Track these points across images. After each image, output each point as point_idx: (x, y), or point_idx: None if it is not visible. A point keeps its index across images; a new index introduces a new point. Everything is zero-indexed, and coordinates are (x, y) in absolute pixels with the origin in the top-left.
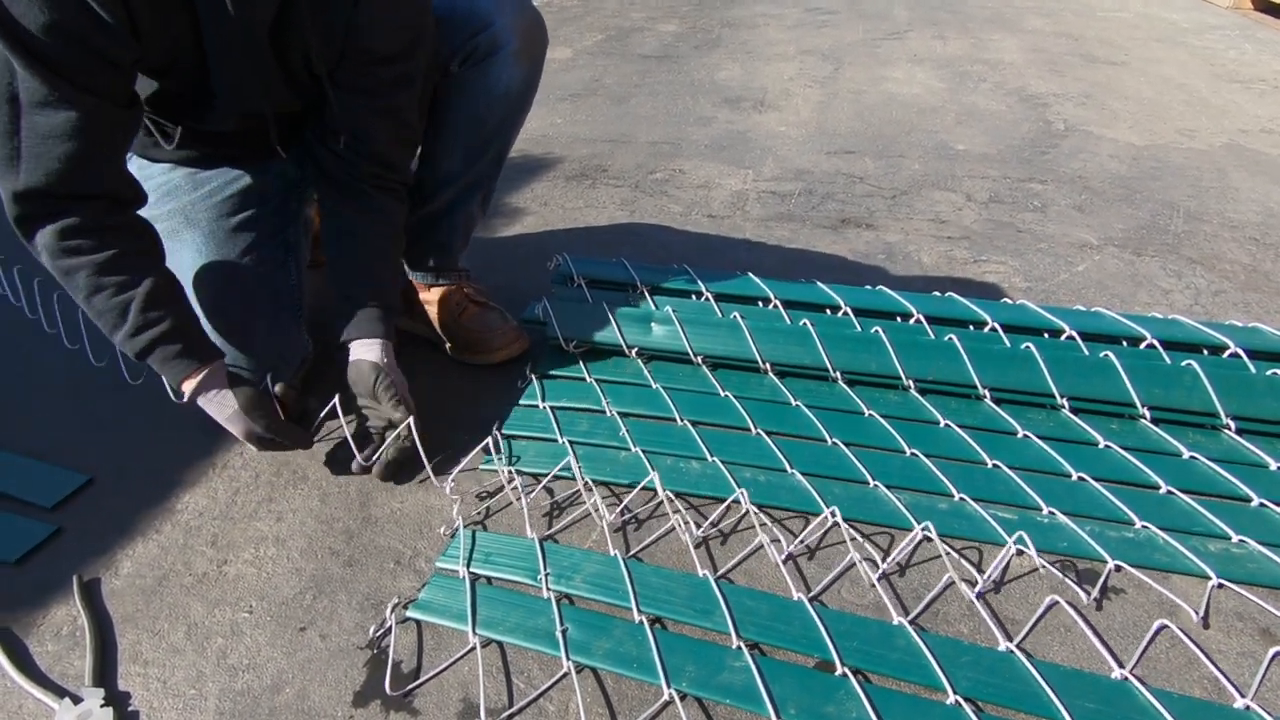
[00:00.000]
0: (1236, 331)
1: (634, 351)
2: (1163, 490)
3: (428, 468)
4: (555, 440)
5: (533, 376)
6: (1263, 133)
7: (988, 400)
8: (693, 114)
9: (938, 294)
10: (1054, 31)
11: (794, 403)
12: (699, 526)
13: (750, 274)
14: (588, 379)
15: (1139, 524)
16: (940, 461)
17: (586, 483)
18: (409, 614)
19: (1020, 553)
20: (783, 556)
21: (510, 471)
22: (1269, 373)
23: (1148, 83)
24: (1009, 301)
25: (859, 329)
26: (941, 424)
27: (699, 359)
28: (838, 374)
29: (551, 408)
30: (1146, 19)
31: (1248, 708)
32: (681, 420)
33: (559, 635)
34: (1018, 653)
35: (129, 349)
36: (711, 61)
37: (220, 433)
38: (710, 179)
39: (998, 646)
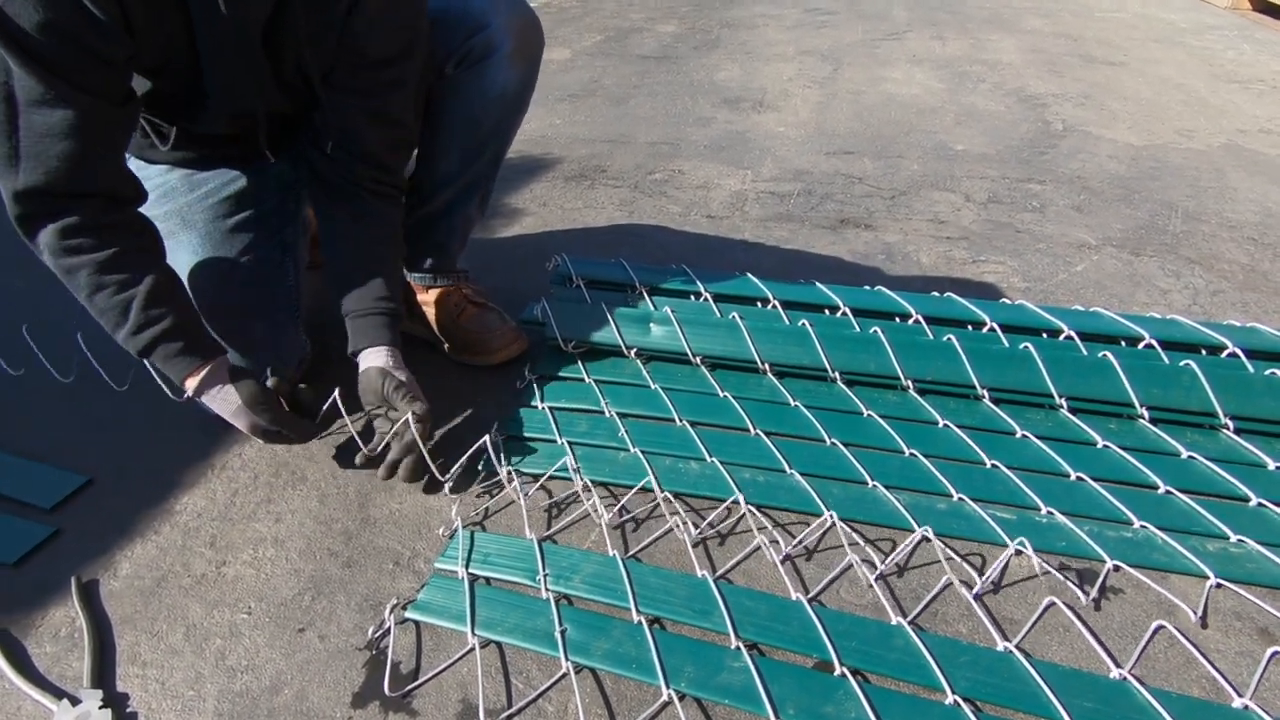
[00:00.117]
0: (1235, 331)
1: (633, 352)
2: (1161, 490)
3: (433, 467)
4: (554, 441)
5: (531, 377)
6: (1261, 133)
7: (986, 400)
8: (692, 115)
9: (936, 294)
10: (1052, 32)
11: (793, 403)
12: (697, 527)
13: (749, 274)
14: (586, 380)
15: (1137, 524)
16: (939, 462)
17: (585, 483)
18: (408, 615)
19: (1019, 553)
20: (781, 557)
21: (509, 472)
22: (1267, 372)
23: (1146, 83)
24: (1007, 301)
25: (858, 329)
26: (940, 424)
27: (698, 359)
28: (836, 374)
29: (550, 408)
30: (1145, 19)
31: (1246, 707)
32: (680, 421)
33: (558, 636)
34: (1016, 653)
35: (131, 347)
36: (710, 62)
37: (219, 434)
38: (709, 179)
39: (996, 646)
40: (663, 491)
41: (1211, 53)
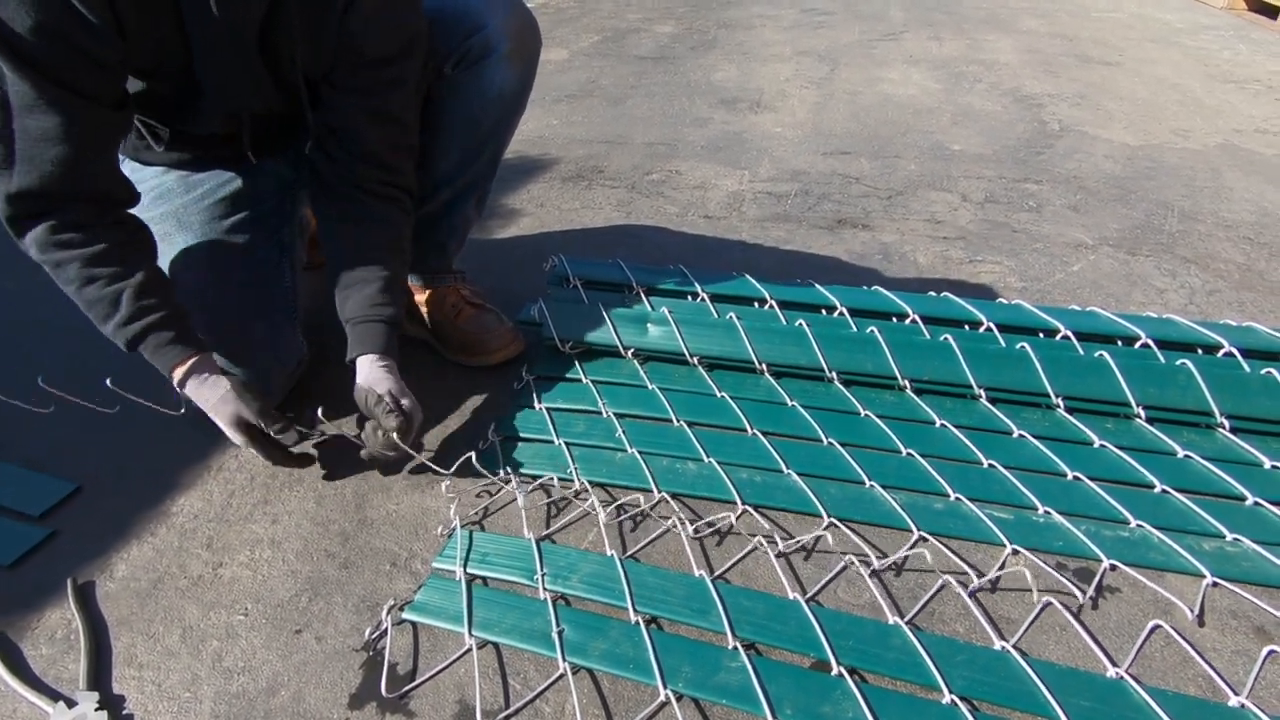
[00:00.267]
0: (1231, 331)
1: (630, 352)
2: (1158, 489)
3: (429, 465)
4: (552, 441)
5: (529, 378)
6: (1257, 133)
7: (983, 400)
8: (689, 115)
9: (933, 294)
10: (1049, 32)
11: (790, 403)
12: (695, 527)
13: (746, 275)
14: (584, 380)
15: (1134, 523)
16: (936, 461)
17: (583, 483)
18: (405, 616)
19: (1016, 552)
20: (776, 555)
21: (507, 472)
22: (1263, 372)
23: (1142, 83)
24: (1004, 301)
25: (855, 329)
26: (937, 424)
27: (695, 360)
28: (834, 374)
29: (548, 409)
30: (1141, 19)
31: (1242, 706)
32: (678, 421)
33: (555, 636)
34: (1013, 652)
35: (120, 338)
36: (708, 63)
37: (216, 436)
38: (706, 180)
39: (993, 646)
40: (660, 492)
41: (1207, 53)
